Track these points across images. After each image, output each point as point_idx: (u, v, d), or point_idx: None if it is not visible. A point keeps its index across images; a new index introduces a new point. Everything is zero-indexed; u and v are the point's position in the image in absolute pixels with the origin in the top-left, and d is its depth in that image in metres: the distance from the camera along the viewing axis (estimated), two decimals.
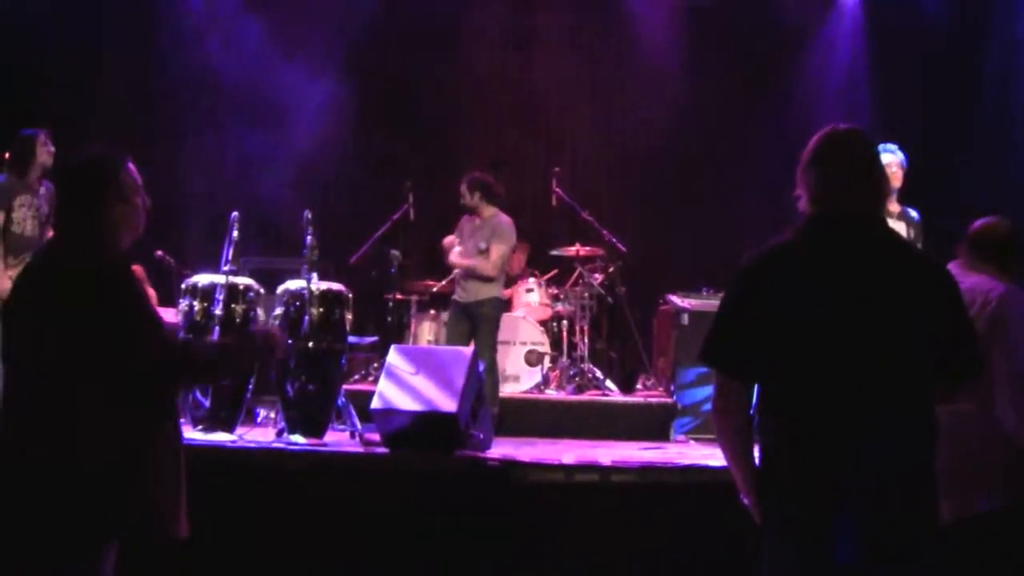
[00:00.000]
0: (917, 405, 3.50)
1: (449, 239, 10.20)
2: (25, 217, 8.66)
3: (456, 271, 10.18)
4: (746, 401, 3.61)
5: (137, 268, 4.26)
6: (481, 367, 8.40)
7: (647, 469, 7.08)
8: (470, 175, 10.09)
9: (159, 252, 9.80)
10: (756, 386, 3.62)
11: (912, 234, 8.08)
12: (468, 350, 7.91)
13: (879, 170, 3.72)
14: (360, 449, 7.53)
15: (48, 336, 3.83)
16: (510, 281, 11.13)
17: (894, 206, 8.12)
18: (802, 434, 3.47)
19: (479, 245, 9.79)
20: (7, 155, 8.69)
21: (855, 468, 3.39)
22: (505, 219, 9.93)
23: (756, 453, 3.65)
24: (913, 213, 8.23)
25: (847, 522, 3.37)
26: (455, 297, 10.05)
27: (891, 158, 7.95)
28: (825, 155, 3.66)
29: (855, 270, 3.51)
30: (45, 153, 8.71)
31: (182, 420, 4.39)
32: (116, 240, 4.06)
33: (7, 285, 8.40)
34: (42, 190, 8.75)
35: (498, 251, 9.76)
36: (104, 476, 3.79)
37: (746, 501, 3.67)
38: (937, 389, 3.56)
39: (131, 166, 4.15)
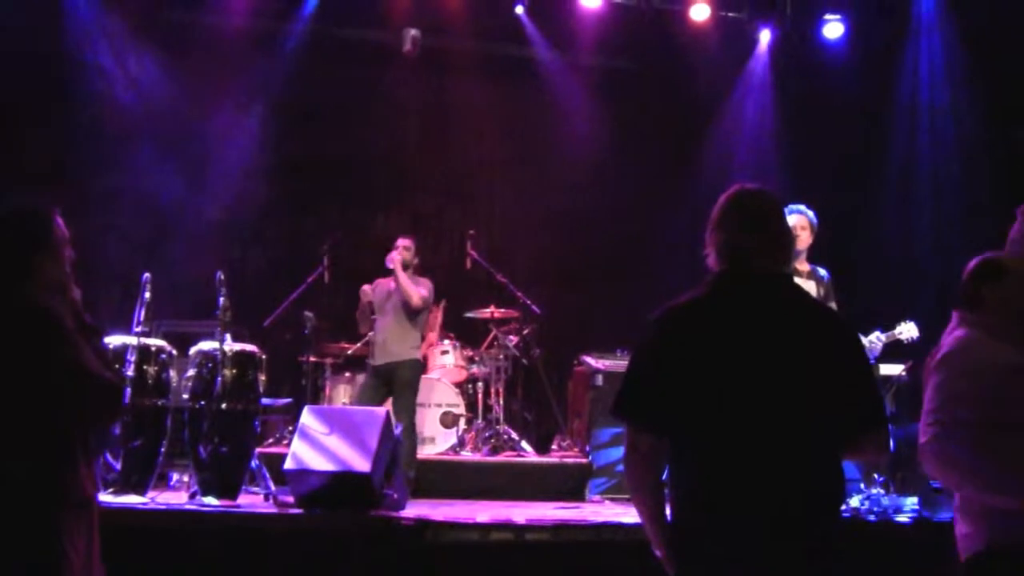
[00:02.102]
0: (822, 458, 3.55)
1: (366, 289, 10.18)
2: None
3: (371, 334, 10.19)
4: (656, 454, 3.63)
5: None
6: (399, 429, 8.39)
7: (561, 527, 7.11)
8: (410, 237, 10.15)
9: None
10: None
11: (822, 292, 8.20)
12: (382, 410, 7.92)
13: (784, 228, 3.80)
14: (274, 510, 7.47)
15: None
16: (426, 344, 11.14)
17: (803, 265, 8.25)
18: (709, 487, 3.53)
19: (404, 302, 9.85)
20: None
21: (761, 522, 3.45)
22: (427, 281, 10.05)
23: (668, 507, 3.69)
24: (823, 271, 8.36)
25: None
26: (371, 361, 10.04)
27: (799, 219, 8.09)
28: (732, 213, 3.74)
29: (760, 325, 3.58)
30: None
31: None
32: (45, 292, 4.05)
33: None
34: None
35: (424, 291, 9.88)
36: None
37: (658, 554, 3.70)
38: (844, 442, 3.60)
39: (59, 219, 4.18)
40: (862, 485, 8.17)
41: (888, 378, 9.10)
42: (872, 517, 7.53)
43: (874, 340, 8.24)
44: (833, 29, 13.30)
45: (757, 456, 3.48)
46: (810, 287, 8.09)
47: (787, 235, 3.80)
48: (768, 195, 3.81)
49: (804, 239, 8.16)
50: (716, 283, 3.71)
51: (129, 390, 7.42)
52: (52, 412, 3.90)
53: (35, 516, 3.85)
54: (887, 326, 8.33)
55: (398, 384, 9.74)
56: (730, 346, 3.55)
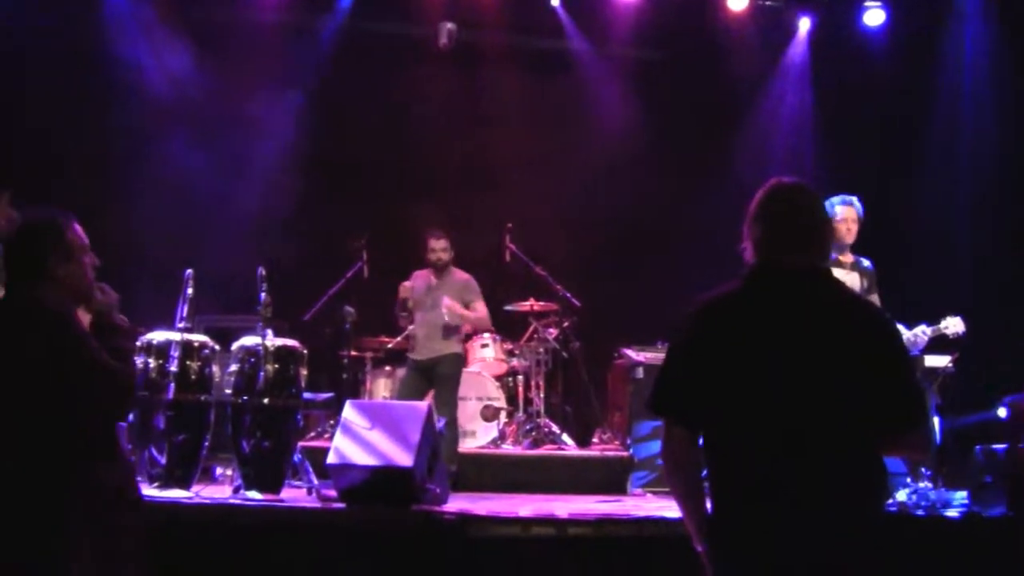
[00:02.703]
0: (860, 454, 3.52)
1: (404, 290, 10.18)
2: None
3: (411, 327, 10.20)
4: (693, 448, 3.64)
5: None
6: (441, 423, 8.39)
7: (604, 522, 7.08)
8: (446, 232, 10.16)
9: None
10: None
11: (866, 283, 8.16)
12: (423, 405, 7.90)
13: (821, 221, 3.78)
14: (316, 504, 7.49)
15: (10, 385, 3.97)
16: (466, 337, 11.14)
17: (847, 256, 8.20)
18: (746, 482, 3.51)
19: (462, 301, 9.86)
20: None
21: (799, 518, 3.43)
22: (469, 276, 10.06)
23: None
24: (866, 262, 8.31)
25: (794, 573, 3.43)
26: (411, 355, 10.04)
27: (850, 211, 8.05)
28: (769, 208, 3.73)
29: (795, 320, 3.56)
30: (2, 217, 8.63)
31: (139, 478, 4.43)
32: (64, 298, 4.14)
33: None
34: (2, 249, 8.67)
35: (483, 303, 9.90)
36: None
37: (698, 549, 3.68)
38: (883, 438, 3.57)
39: (76, 226, 4.26)
40: (909, 479, 8.09)
41: (934, 370, 9.03)
42: (920, 512, 7.45)
43: (919, 333, 8.18)
44: (874, 16, 13.19)
45: (793, 451, 3.46)
46: (853, 278, 8.04)
47: (824, 229, 3.77)
48: (805, 189, 3.78)
49: (853, 232, 8.11)
50: (751, 277, 3.70)
51: (173, 385, 7.47)
52: (62, 408, 3.98)
53: (34, 512, 3.92)
54: (932, 319, 8.26)
55: (440, 378, 9.74)
56: (764, 340, 3.54)
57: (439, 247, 10.02)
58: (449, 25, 13.33)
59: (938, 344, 8.47)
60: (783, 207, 3.71)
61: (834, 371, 3.49)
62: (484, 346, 11.77)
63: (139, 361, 7.58)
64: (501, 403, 11.42)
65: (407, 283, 10.19)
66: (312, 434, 10.82)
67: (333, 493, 7.46)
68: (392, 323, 11.14)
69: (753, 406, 3.50)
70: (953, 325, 8.20)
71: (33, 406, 3.96)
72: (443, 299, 9.89)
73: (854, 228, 8.10)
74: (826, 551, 3.42)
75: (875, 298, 7.98)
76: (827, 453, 3.46)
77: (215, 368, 7.97)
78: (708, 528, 3.62)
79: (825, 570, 3.43)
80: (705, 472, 3.66)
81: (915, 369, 3.83)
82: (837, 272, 7.15)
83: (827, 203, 7.98)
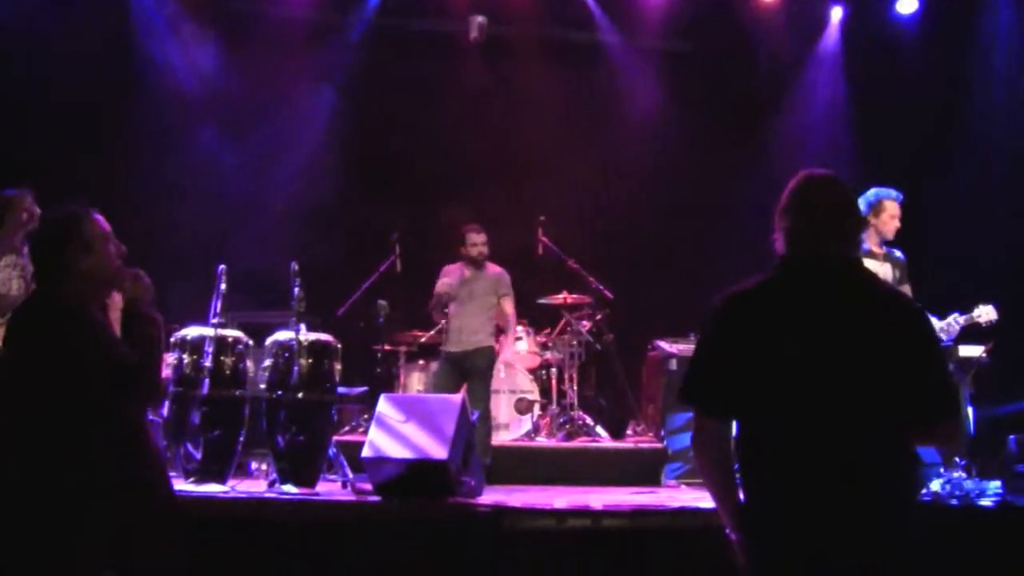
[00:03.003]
0: (891, 444, 3.54)
1: (445, 285, 10.18)
2: (10, 277, 8.63)
3: (443, 322, 10.23)
4: (725, 438, 3.67)
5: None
6: (475, 416, 8.40)
7: (639, 513, 7.07)
8: (479, 226, 10.17)
9: None
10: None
11: (898, 274, 8.13)
12: (458, 397, 7.92)
13: (852, 213, 3.80)
14: (352, 498, 7.51)
15: (30, 386, 4.04)
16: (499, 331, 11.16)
17: (879, 248, 8.17)
18: (777, 471, 3.55)
19: (491, 299, 9.89)
20: None
21: (832, 508, 3.45)
22: (502, 271, 10.07)
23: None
24: (898, 253, 8.28)
25: (827, 562, 3.45)
26: (445, 348, 10.05)
27: (896, 207, 8.04)
28: (801, 200, 3.74)
29: (825, 311, 3.58)
30: (27, 214, 8.69)
31: (174, 473, 4.46)
32: (87, 289, 4.18)
33: None
34: (26, 250, 8.72)
35: (512, 303, 9.91)
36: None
37: (732, 537, 3.70)
38: (915, 429, 3.59)
39: (96, 216, 4.27)
40: (943, 469, 8.05)
41: (968, 360, 8.99)
42: (954, 502, 7.41)
43: (951, 323, 8.15)
44: (906, 4, 13.11)
45: (825, 441, 3.48)
46: (886, 269, 8.02)
47: (854, 220, 3.80)
48: (836, 180, 3.80)
49: (894, 225, 8.10)
50: (781, 268, 3.74)
51: (207, 381, 7.52)
52: (82, 405, 4.01)
53: (59, 511, 3.95)
54: (965, 308, 8.23)
55: (473, 372, 9.74)
56: (796, 331, 3.56)
57: (480, 241, 10.05)
58: (479, 19, 13.36)
59: (971, 333, 8.43)
60: (814, 199, 3.72)
61: (866, 362, 3.50)
62: (517, 339, 11.76)
63: (173, 357, 7.62)
64: (535, 396, 11.43)
65: (445, 279, 10.18)
66: (346, 428, 10.85)
67: (368, 487, 7.48)
68: (426, 317, 11.17)
69: (785, 396, 3.52)
70: (986, 313, 8.16)
71: (53, 405, 3.99)
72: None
73: (894, 223, 8.09)
74: (858, 539, 3.43)
75: (907, 288, 7.95)
76: (858, 443, 3.47)
77: (249, 363, 8.01)
78: (741, 517, 3.63)
79: (858, 558, 3.43)
80: (736, 463, 3.69)
81: (947, 360, 3.86)
82: (869, 263, 7.18)
83: (875, 194, 8.01)
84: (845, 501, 3.44)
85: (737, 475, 3.69)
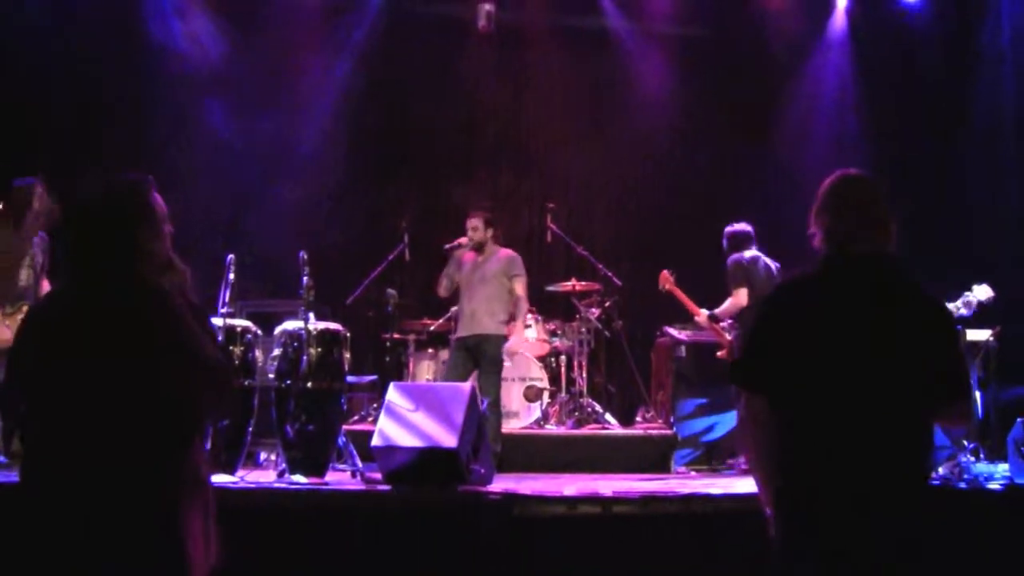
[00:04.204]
0: (916, 424, 3.87)
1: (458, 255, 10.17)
2: (20, 267, 8.66)
3: (453, 308, 10.22)
4: (767, 419, 3.96)
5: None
6: (485, 404, 8.40)
7: (648, 500, 7.06)
8: (482, 211, 10.15)
9: None
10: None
11: None
12: (467, 385, 7.92)
13: (886, 212, 4.07)
14: (362, 487, 7.52)
15: (131, 368, 3.74)
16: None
17: None
18: (809, 451, 3.84)
19: (502, 282, 9.85)
20: (2, 205, 8.69)
21: (857, 484, 3.76)
22: (513, 253, 10.03)
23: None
24: None
25: (859, 536, 3.72)
26: (456, 334, 10.03)
27: None
28: (835, 200, 4.08)
29: (860, 304, 3.89)
30: (40, 203, 8.71)
31: None
32: (154, 270, 3.92)
33: (8, 334, 8.44)
34: (36, 239, 8.75)
35: (523, 284, 9.88)
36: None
37: (767, 512, 3.99)
38: (932, 410, 3.91)
39: (156, 193, 4.06)
40: (951, 452, 8.05)
41: (976, 344, 8.99)
42: (963, 484, 7.41)
43: (962, 305, 8.15)
44: None
45: (854, 422, 3.78)
46: None
47: (887, 218, 4.07)
48: (869, 181, 4.14)
49: None
50: (823, 264, 4.05)
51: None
52: (170, 395, 3.78)
53: (157, 499, 3.78)
54: (956, 295, 8.22)
55: (484, 359, 9.72)
56: (836, 321, 3.87)
57: (470, 226, 10.01)
58: (487, 7, 13.37)
59: (976, 317, 8.44)
60: (848, 199, 4.06)
61: (897, 348, 3.83)
62: (527, 327, 11.76)
63: None
64: (544, 383, 11.44)
65: (460, 253, 10.12)
66: (356, 417, 10.87)
67: (378, 475, 7.48)
68: (435, 305, 11.20)
69: (825, 381, 3.84)
70: (981, 292, 8.17)
71: (141, 397, 3.74)
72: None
73: None
74: (882, 515, 3.73)
75: None
76: (888, 424, 3.80)
77: (258, 353, 8.00)
78: (777, 494, 3.92)
79: (886, 530, 3.72)
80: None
81: (962, 347, 4.21)
82: None
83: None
84: (877, 476, 3.76)
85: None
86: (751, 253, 9.88)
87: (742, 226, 10.08)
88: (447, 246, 10.23)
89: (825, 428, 3.81)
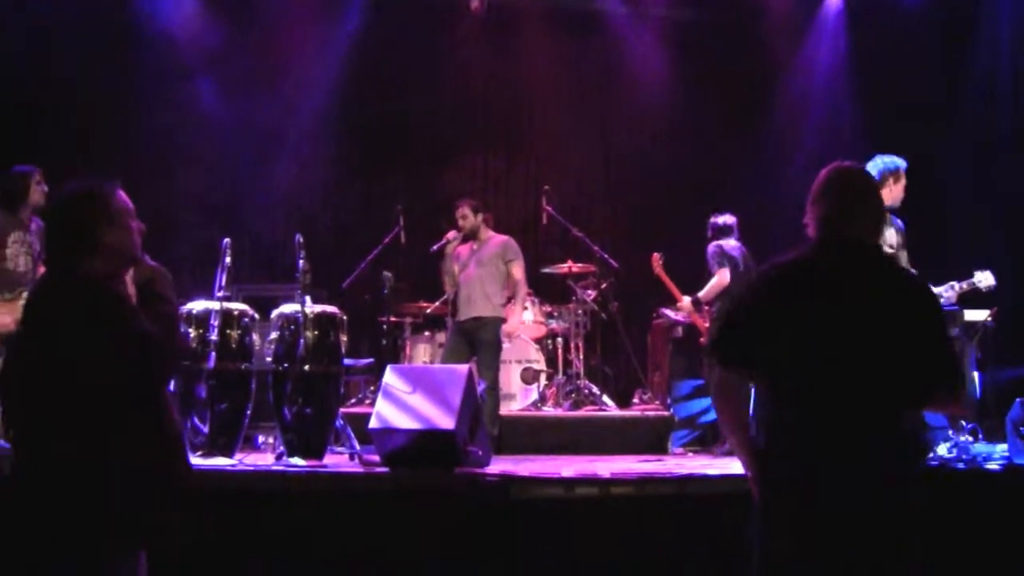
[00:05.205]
0: (897, 407, 3.95)
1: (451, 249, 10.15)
2: (18, 253, 8.67)
3: (449, 292, 10.22)
4: (742, 387, 4.20)
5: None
6: (482, 387, 8.40)
7: (646, 481, 7.08)
8: (469, 199, 10.17)
9: None
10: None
11: (899, 240, 8.14)
12: (464, 368, 7.91)
13: (876, 203, 4.26)
14: (359, 469, 7.53)
15: (66, 364, 3.93)
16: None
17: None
18: (795, 426, 3.95)
19: (498, 266, 9.84)
20: None
21: (847, 464, 3.86)
22: (508, 237, 10.03)
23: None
24: (899, 222, 8.31)
25: (837, 510, 3.84)
26: (454, 318, 10.03)
27: (898, 175, 8.05)
28: (829, 191, 4.18)
29: (847, 288, 4.00)
30: (38, 191, 8.72)
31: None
32: (111, 265, 4.11)
33: (7, 320, 8.45)
34: (33, 227, 8.77)
35: (521, 268, 9.89)
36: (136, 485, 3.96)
37: (749, 474, 4.14)
38: (922, 395, 4.01)
39: (121, 191, 4.20)
40: (950, 432, 8.06)
41: (973, 324, 9.00)
42: (961, 465, 7.43)
43: (946, 290, 8.16)
44: None
45: (841, 401, 3.88)
46: (890, 233, 8.04)
47: (877, 209, 4.25)
48: (862, 173, 4.30)
49: (902, 194, 8.11)
50: (814, 249, 4.16)
51: (213, 354, 7.52)
52: (103, 380, 3.94)
53: (81, 485, 3.91)
54: (962, 275, 8.23)
55: (482, 343, 9.72)
56: (823, 303, 3.97)
57: (459, 215, 10.02)
58: None
59: (972, 298, 8.45)
60: (841, 190, 4.16)
61: (882, 332, 3.92)
62: (523, 309, 11.76)
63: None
64: (541, 365, 11.45)
65: (455, 247, 10.13)
66: (353, 400, 10.86)
67: (376, 458, 7.48)
68: (431, 288, 11.21)
69: (809, 359, 3.93)
70: (985, 279, 8.17)
71: (76, 380, 3.92)
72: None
73: (898, 188, 8.12)
74: (863, 486, 3.84)
75: (904, 255, 7.98)
76: (868, 404, 3.88)
77: (255, 336, 8.00)
78: (759, 461, 4.07)
79: (863, 503, 3.83)
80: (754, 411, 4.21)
81: (950, 332, 4.36)
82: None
83: (893, 163, 8.05)
84: (856, 456, 3.85)
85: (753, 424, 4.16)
86: (731, 244, 9.96)
87: (726, 217, 10.15)
88: (434, 247, 10.25)
89: (808, 409, 3.91)
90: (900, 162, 8.15)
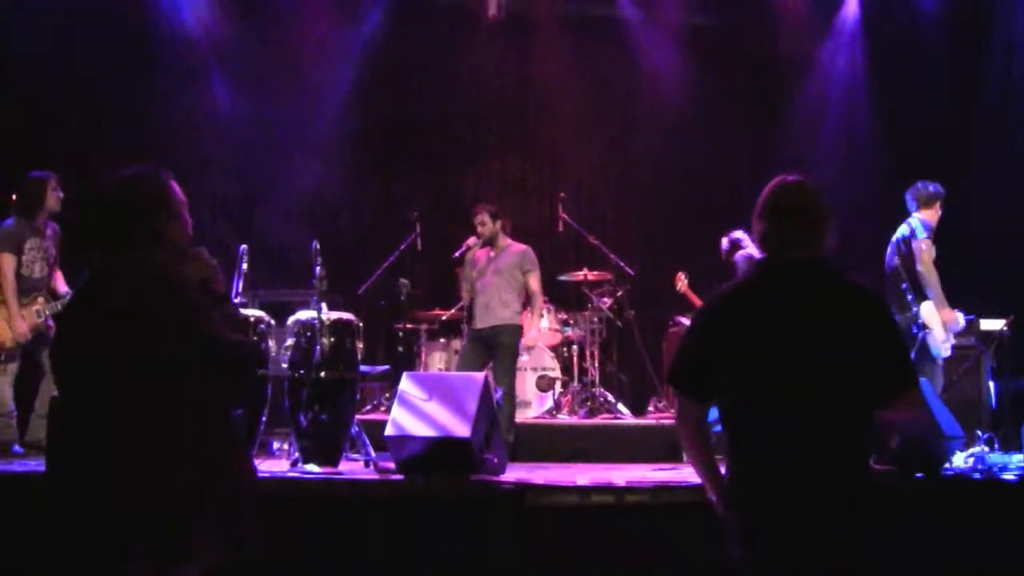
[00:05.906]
0: (857, 420, 3.91)
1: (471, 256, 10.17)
2: (34, 259, 8.71)
3: (466, 299, 10.21)
4: (703, 417, 4.15)
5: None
6: (499, 394, 8.39)
7: (661, 489, 7.06)
8: (488, 205, 10.16)
9: None
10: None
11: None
12: (480, 375, 7.91)
13: (821, 217, 4.08)
14: (375, 476, 7.52)
15: (151, 359, 3.73)
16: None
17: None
18: (755, 447, 3.93)
19: (516, 276, 9.85)
20: (15, 197, 8.74)
21: (804, 477, 3.84)
22: (526, 247, 10.03)
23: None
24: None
25: (798, 531, 3.84)
26: (472, 326, 10.02)
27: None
28: (772, 206, 4.13)
29: (800, 306, 3.94)
30: (54, 198, 8.77)
31: None
32: (173, 258, 3.94)
33: (24, 327, 8.49)
34: (48, 232, 8.81)
35: (538, 279, 9.89)
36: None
37: (712, 499, 4.17)
38: (880, 401, 3.92)
39: (175, 183, 4.07)
40: (965, 444, 8.02)
41: (989, 333, 8.97)
42: (978, 476, 7.39)
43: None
44: None
45: (794, 420, 3.85)
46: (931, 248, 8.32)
47: (822, 223, 4.07)
48: (806, 188, 4.14)
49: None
50: (758, 271, 4.18)
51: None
52: (192, 385, 3.78)
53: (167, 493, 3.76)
54: (988, 286, 8.30)
55: (500, 349, 9.71)
56: (773, 325, 3.92)
57: (477, 222, 10.02)
58: None
59: (994, 305, 8.48)
60: (784, 205, 4.09)
61: (834, 349, 3.86)
62: (539, 319, 11.76)
63: None
64: (556, 373, 11.44)
65: (475, 254, 10.14)
66: (368, 407, 10.87)
67: (391, 465, 7.48)
68: (446, 295, 11.21)
69: (763, 382, 3.90)
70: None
71: (153, 387, 3.72)
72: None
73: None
74: (826, 502, 3.81)
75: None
76: (825, 421, 3.84)
77: (271, 343, 8.03)
78: (724, 487, 4.07)
79: (826, 516, 3.82)
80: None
81: (905, 338, 4.41)
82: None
83: (938, 187, 8.56)
84: (816, 470, 3.82)
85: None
86: (757, 253, 9.99)
87: (738, 232, 10.19)
88: (455, 254, 10.26)
89: (766, 431, 3.89)
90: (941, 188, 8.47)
